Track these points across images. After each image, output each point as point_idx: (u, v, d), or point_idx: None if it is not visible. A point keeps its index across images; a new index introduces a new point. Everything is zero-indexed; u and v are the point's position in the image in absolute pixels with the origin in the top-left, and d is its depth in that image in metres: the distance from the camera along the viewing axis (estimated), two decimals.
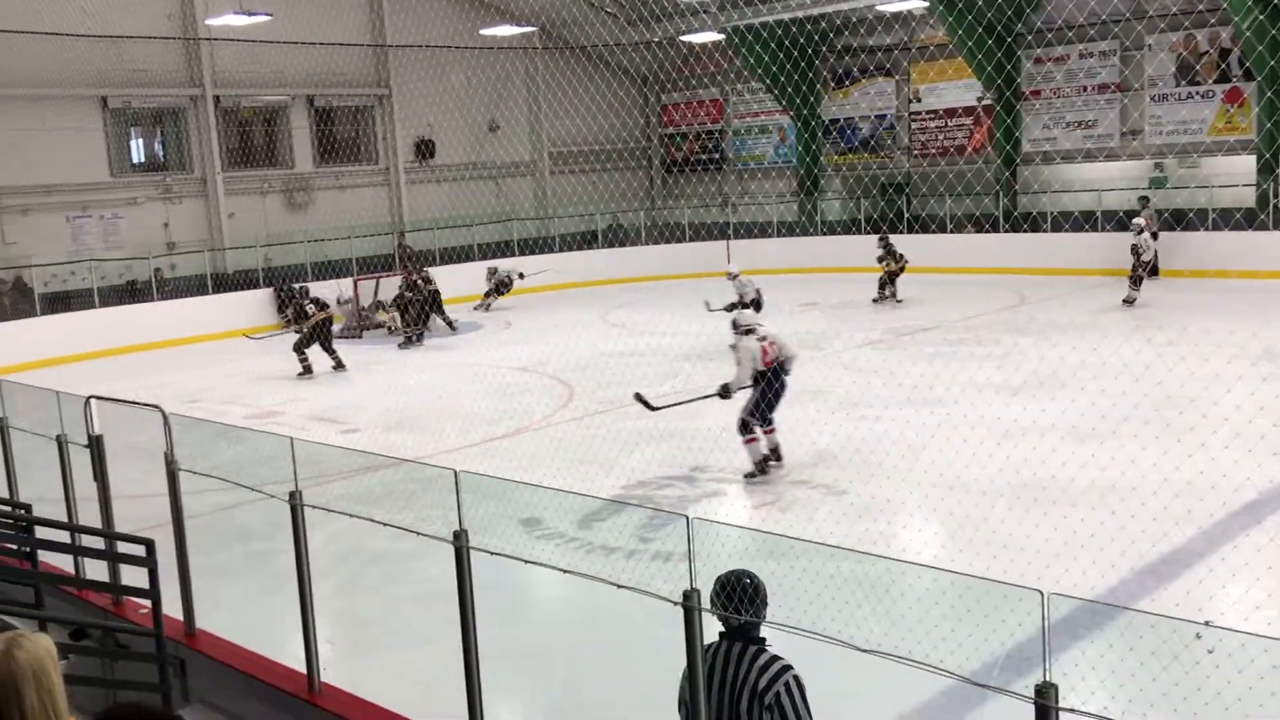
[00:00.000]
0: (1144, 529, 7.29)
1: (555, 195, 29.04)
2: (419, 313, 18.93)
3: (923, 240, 23.61)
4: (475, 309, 22.03)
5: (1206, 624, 2.66)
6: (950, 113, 26.00)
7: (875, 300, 19.98)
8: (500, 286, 22.49)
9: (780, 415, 11.93)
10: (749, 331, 9.94)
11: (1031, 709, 2.63)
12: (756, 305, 16.61)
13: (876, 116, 27.27)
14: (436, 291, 19.59)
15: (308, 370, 15.79)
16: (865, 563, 6.15)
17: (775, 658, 3.53)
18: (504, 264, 23.19)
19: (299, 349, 15.82)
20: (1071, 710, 2.59)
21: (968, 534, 7.80)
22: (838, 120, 27.90)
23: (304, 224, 24.22)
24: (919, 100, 26.46)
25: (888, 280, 20.03)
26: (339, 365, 16.09)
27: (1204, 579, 6.77)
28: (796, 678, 3.48)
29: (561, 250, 26.44)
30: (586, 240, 27.14)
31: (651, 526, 8.38)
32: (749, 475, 9.70)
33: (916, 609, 4.47)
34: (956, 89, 25.53)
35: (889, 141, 27.22)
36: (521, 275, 22.30)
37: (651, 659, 5.55)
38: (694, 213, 28.47)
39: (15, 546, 6.28)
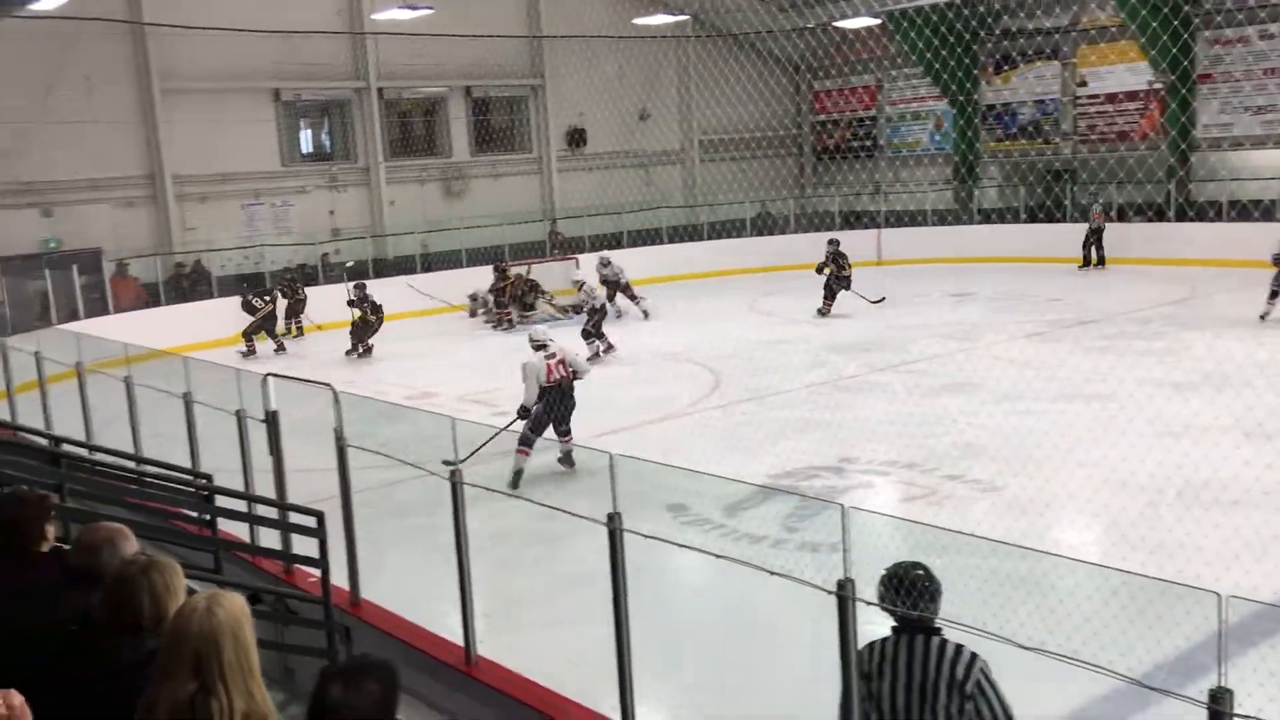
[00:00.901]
0: None
1: (704, 183, 29.04)
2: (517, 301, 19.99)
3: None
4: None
5: None
6: (1118, 97, 24.89)
7: (820, 312, 18.43)
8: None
9: (929, 407, 11.73)
10: (540, 347, 10.05)
11: (1204, 715, 2.53)
12: (601, 315, 16.32)
13: (1038, 102, 26.34)
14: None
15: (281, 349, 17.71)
16: (1026, 560, 6.03)
17: (960, 646, 3.47)
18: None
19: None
20: (1246, 717, 2.48)
21: (1133, 534, 7.50)
22: (995, 106, 27.06)
23: (460, 211, 24.89)
24: (1084, 84, 25.43)
25: (830, 290, 18.39)
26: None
27: None
28: (985, 663, 3.43)
29: (710, 238, 26.44)
30: (735, 228, 27.06)
31: (798, 516, 8.33)
32: (510, 483, 9.35)
33: (1081, 610, 4.34)
34: (1125, 72, 24.41)
35: (1051, 128, 26.24)
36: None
37: (798, 649, 5.55)
38: (844, 200, 28.06)
39: (196, 514, 6.68)
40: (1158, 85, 23.67)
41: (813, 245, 25.26)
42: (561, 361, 10.04)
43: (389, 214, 24.38)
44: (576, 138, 27.31)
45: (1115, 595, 4.02)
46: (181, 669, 2.50)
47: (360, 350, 17.35)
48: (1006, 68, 26.66)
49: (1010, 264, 22.19)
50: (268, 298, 18.61)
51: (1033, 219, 24.45)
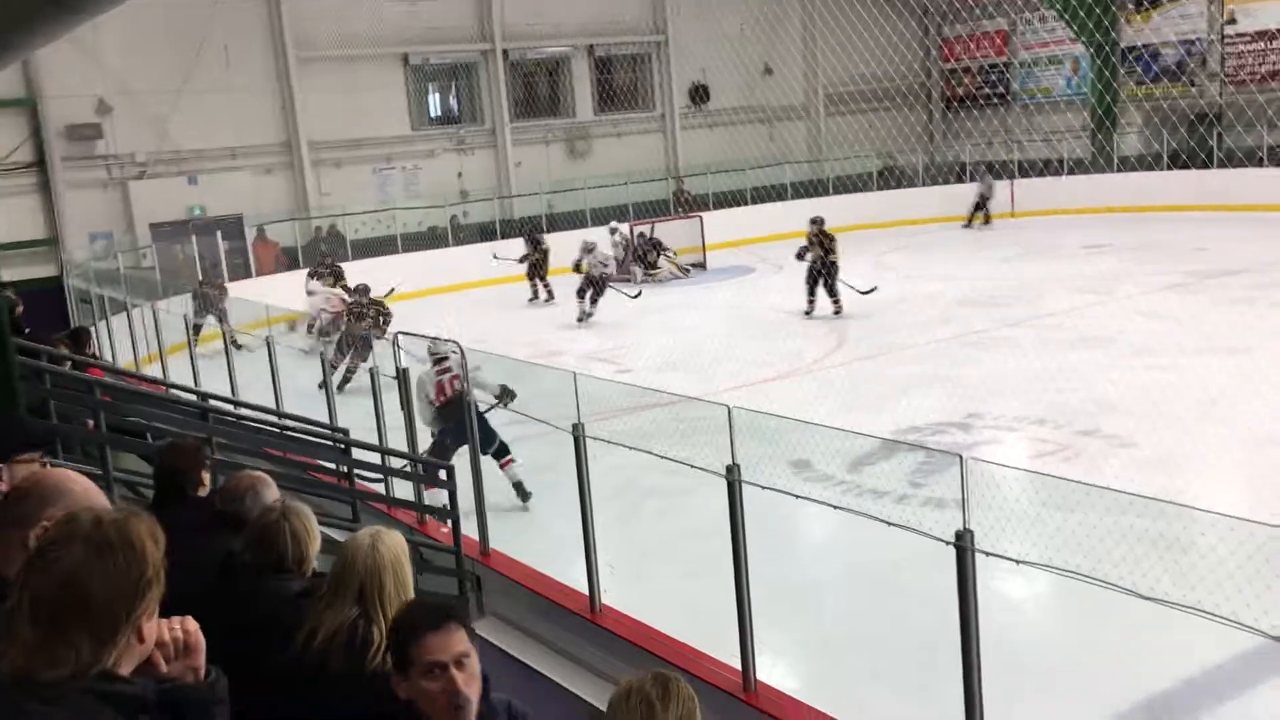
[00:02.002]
0: None
1: (829, 137, 28.55)
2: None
3: (1236, 175, 21.57)
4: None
5: None
6: (1270, 35, 23.44)
7: (805, 313, 15.33)
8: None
9: (1061, 362, 11.36)
10: (438, 361, 8.18)
11: None
12: (597, 288, 15.77)
13: (1182, 42, 25.01)
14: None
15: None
16: (1162, 517, 5.86)
17: None
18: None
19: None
20: None
21: (1272, 490, 7.20)
22: (1136, 47, 25.81)
23: (584, 171, 25.06)
24: (1234, 22, 24.02)
25: (817, 275, 15.22)
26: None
27: None
28: None
29: (835, 194, 26.03)
30: (861, 182, 26.57)
31: (923, 471, 8.24)
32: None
33: (1220, 569, 4.21)
34: (1277, 9, 22.96)
35: (1197, 68, 24.91)
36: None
37: (919, 602, 5.53)
38: (976, 150, 27.24)
39: (335, 466, 6.98)
40: None
41: (945, 198, 24.76)
42: (456, 378, 8.07)
43: (515, 175, 24.70)
44: (699, 94, 27.14)
45: (1260, 550, 3.88)
46: (346, 597, 2.73)
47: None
48: (1148, 6, 25.37)
49: (1151, 213, 21.25)
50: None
51: (1177, 165, 23.31)
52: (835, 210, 24.18)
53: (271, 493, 3.56)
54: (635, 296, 16.80)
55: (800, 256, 15.53)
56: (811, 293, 15.22)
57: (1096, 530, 5.71)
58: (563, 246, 21.08)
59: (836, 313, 15.02)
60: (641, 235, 20.85)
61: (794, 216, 23.67)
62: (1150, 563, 5.18)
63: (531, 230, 20.32)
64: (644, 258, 20.43)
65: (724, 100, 27.08)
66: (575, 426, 5.27)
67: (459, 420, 7.36)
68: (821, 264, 15.11)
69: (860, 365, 12.28)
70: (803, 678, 5.40)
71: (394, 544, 2.81)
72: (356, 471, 6.71)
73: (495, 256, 19.46)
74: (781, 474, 8.32)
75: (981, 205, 23.89)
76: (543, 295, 18.94)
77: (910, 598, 6.00)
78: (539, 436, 8.30)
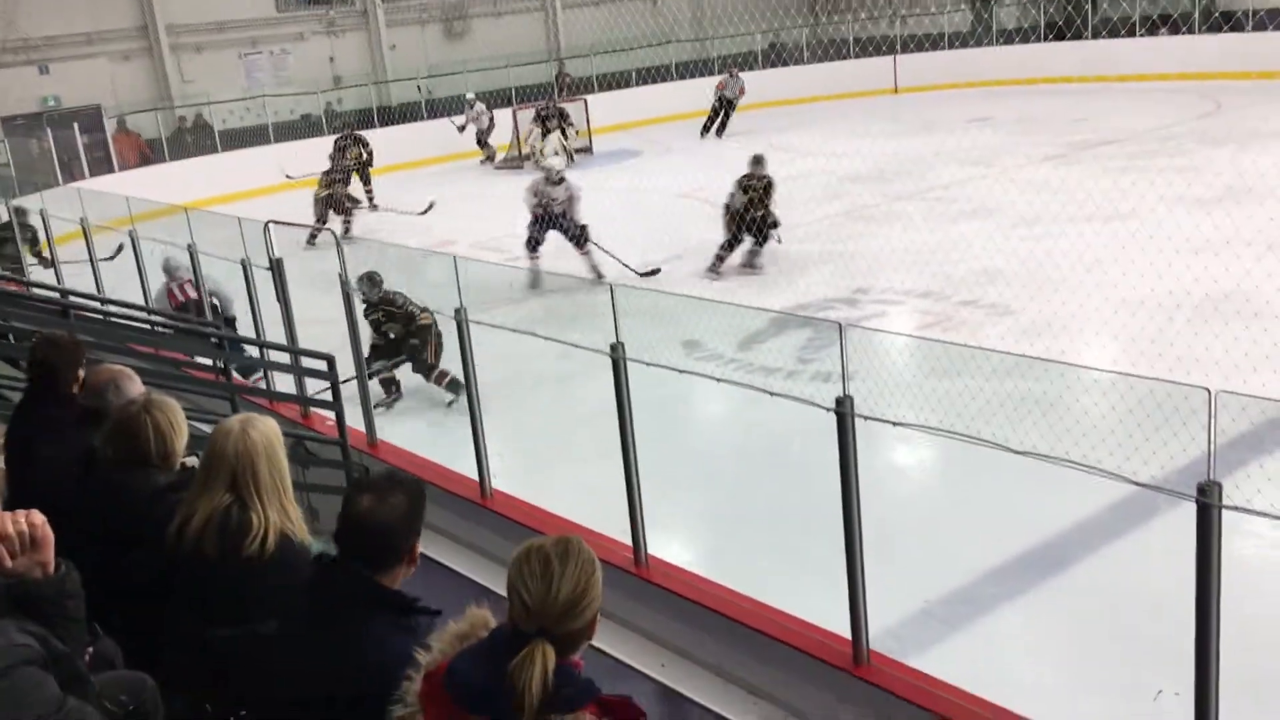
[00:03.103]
0: None
1: (712, 13, 28.03)
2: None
3: (1109, 45, 21.93)
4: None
5: None
6: None
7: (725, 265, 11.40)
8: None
9: (946, 234, 11.53)
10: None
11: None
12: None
13: None
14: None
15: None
16: (1041, 381, 6.02)
17: None
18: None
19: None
20: (1235, 508, 2.47)
21: (1150, 350, 7.45)
22: None
23: (463, 53, 24.22)
24: None
25: (739, 222, 11.32)
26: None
27: None
28: None
29: (720, 73, 25.69)
30: (747, 61, 26.26)
31: (812, 347, 8.34)
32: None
33: (1094, 425, 4.33)
34: None
35: None
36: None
37: (806, 471, 5.60)
38: (860, 26, 27.11)
39: (211, 362, 6.72)
40: None
41: (830, 75, 24.65)
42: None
43: (390, 59, 23.75)
44: None
45: (1119, 406, 4.00)
46: (218, 484, 2.64)
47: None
48: None
49: (1031, 85, 21.54)
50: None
51: (1055, 37, 23.57)
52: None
53: (134, 386, 3.39)
54: (425, 212, 14.74)
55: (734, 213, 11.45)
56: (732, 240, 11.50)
57: (981, 394, 5.84)
58: (443, 134, 20.54)
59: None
60: (547, 104, 20.20)
61: (679, 97, 23.41)
62: (1030, 423, 5.32)
63: (347, 129, 17.94)
64: (544, 122, 19.77)
65: None
66: (457, 311, 5.12)
67: None
68: (752, 219, 11.28)
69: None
70: (694, 551, 5.47)
71: (266, 429, 2.72)
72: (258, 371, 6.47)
73: (287, 176, 17.36)
74: (673, 354, 8.33)
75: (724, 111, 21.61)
76: (364, 202, 16.50)
77: (798, 468, 6.09)
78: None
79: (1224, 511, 2.60)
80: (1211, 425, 2.54)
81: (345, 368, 5.99)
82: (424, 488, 2.39)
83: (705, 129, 21.48)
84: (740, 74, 21.83)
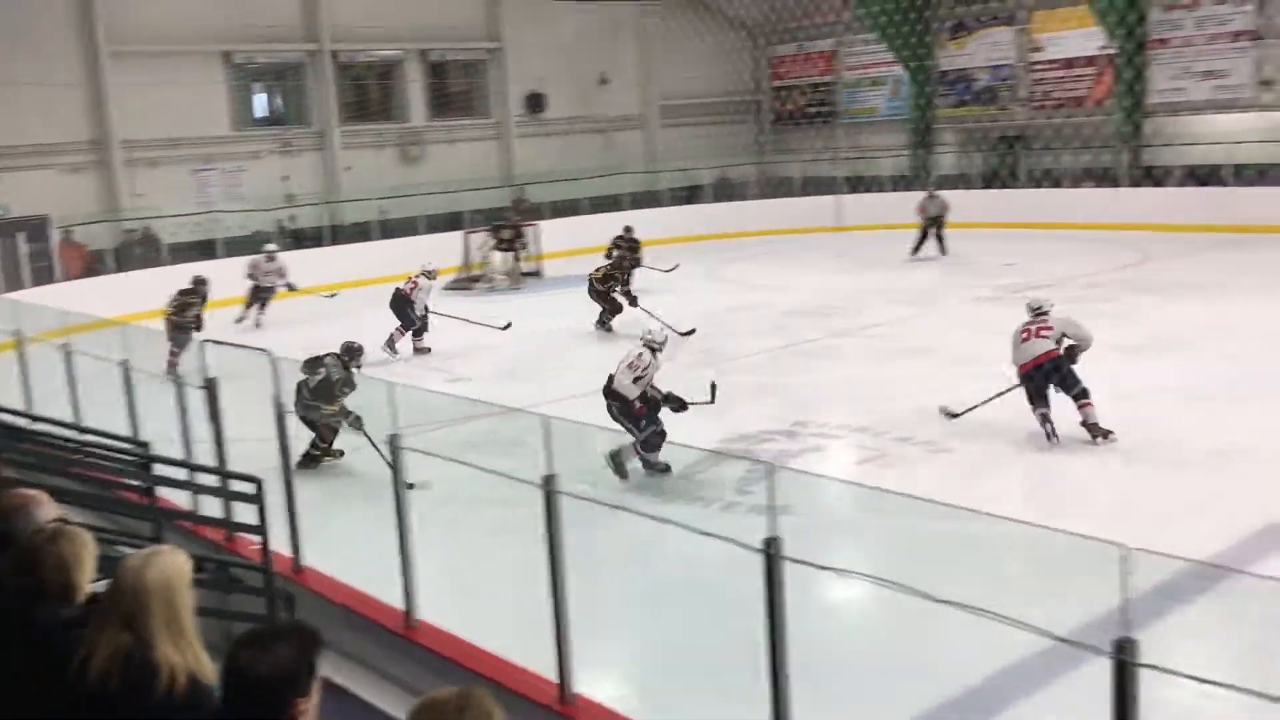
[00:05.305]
0: (1259, 492, 7.00)
1: (665, 149, 28.88)
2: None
3: (1041, 194, 22.84)
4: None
5: None
6: (1071, 63, 24.95)
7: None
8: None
9: (885, 372, 11.77)
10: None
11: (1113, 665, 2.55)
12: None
13: (993, 67, 26.37)
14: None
15: None
16: (959, 522, 6.07)
17: None
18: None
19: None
20: (1152, 667, 2.50)
21: (1080, 496, 7.60)
22: (950, 72, 27.09)
23: (418, 177, 24.61)
24: (1039, 50, 25.47)
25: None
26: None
27: None
28: None
29: (670, 204, 26.32)
30: (694, 194, 26.98)
31: (750, 479, 8.36)
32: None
33: (1012, 569, 4.38)
34: (1078, 38, 24.44)
35: (1006, 94, 26.30)
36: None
37: (742, 610, 5.56)
38: (804, 166, 28.04)
39: (136, 483, 6.57)
40: (1110, 50, 23.76)
41: (776, 209, 25.34)
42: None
43: (345, 180, 24.05)
44: (536, 103, 27.04)
45: (1044, 550, 4.06)
46: (113, 622, 2.56)
47: None
48: (962, 34, 26.66)
49: (966, 229, 22.27)
50: None
51: (987, 185, 24.55)
52: (671, 221, 24.56)
53: (45, 512, 3.30)
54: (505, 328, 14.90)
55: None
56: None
57: (912, 532, 5.89)
58: (398, 254, 20.65)
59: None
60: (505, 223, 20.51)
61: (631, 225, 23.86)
62: (961, 564, 5.36)
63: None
64: (505, 240, 20.09)
65: (560, 109, 27.10)
66: (392, 437, 5.10)
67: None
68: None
69: (695, 374, 12.39)
70: (623, 688, 5.37)
71: (166, 566, 2.63)
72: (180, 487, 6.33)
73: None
74: (612, 482, 8.34)
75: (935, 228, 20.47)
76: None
77: (733, 603, 6.04)
78: (364, 448, 8.07)
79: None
80: (1124, 581, 2.58)
81: (276, 491, 5.90)
82: (314, 636, 2.30)
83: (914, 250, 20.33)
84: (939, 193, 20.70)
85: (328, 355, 9.10)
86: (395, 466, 5.12)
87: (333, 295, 16.42)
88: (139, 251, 20.40)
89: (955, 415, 9.22)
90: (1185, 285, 15.57)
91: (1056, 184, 23.16)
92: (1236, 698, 2.56)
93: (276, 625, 2.38)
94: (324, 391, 8.77)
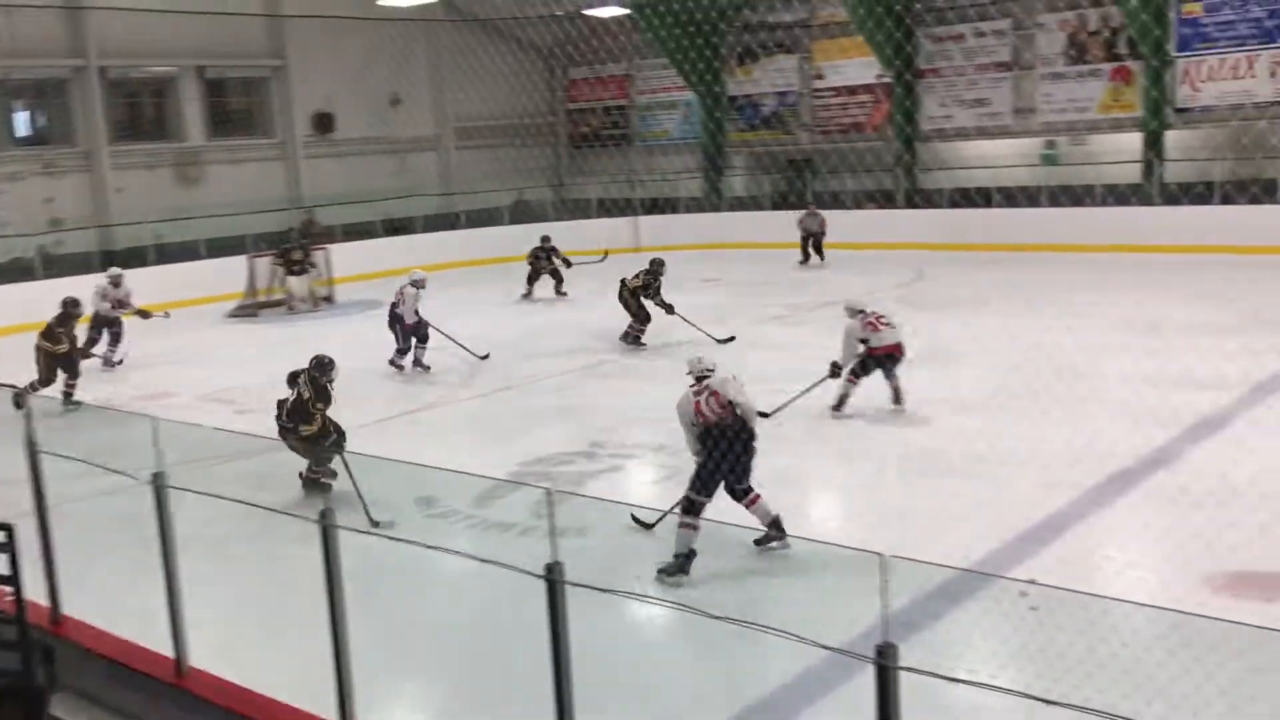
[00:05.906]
0: (1023, 496, 7.47)
1: (460, 171, 28.62)
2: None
3: (827, 215, 23.83)
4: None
5: (1031, 582, 2.70)
6: (851, 90, 26.24)
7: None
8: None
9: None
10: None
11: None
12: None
13: (779, 93, 27.42)
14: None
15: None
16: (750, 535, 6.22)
17: None
18: None
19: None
20: (911, 670, 2.60)
21: (858, 504, 7.91)
22: (738, 98, 28.00)
23: (197, 199, 23.48)
24: (821, 78, 26.65)
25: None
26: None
27: (1087, 541, 6.95)
28: None
29: (467, 227, 26.07)
30: (492, 217, 26.82)
31: (546, 503, 8.31)
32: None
33: (789, 582, 4.50)
34: (857, 66, 25.74)
35: (791, 119, 27.39)
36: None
37: (529, 637, 5.50)
38: (602, 189, 28.33)
39: None
40: (885, 79, 25.11)
41: (575, 232, 25.45)
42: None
43: (116, 202, 22.70)
44: (324, 122, 26.31)
45: (829, 566, 4.19)
46: None
47: None
48: (748, 60, 27.61)
49: (758, 250, 23.01)
50: None
51: (776, 206, 25.46)
52: (468, 244, 24.34)
53: None
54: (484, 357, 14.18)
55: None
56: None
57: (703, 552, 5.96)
58: (175, 281, 19.67)
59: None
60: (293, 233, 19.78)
61: (426, 248, 23.50)
62: (751, 583, 5.47)
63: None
64: (294, 261, 19.38)
65: (351, 130, 26.48)
66: (155, 476, 4.80)
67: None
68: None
69: (495, 397, 12.30)
70: None
71: None
72: None
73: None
74: (406, 511, 8.13)
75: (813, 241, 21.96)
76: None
77: (523, 631, 5.96)
78: (134, 489, 7.56)
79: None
80: (885, 588, 2.68)
81: (30, 538, 5.46)
82: (43, 694, 2.12)
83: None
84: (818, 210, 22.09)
85: (301, 373, 8.84)
86: (363, 498, 4.81)
87: (167, 315, 15.34)
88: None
89: (649, 526, 7.68)
90: (958, 301, 16.53)
91: (843, 206, 24.26)
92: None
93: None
94: (299, 411, 8.58)
